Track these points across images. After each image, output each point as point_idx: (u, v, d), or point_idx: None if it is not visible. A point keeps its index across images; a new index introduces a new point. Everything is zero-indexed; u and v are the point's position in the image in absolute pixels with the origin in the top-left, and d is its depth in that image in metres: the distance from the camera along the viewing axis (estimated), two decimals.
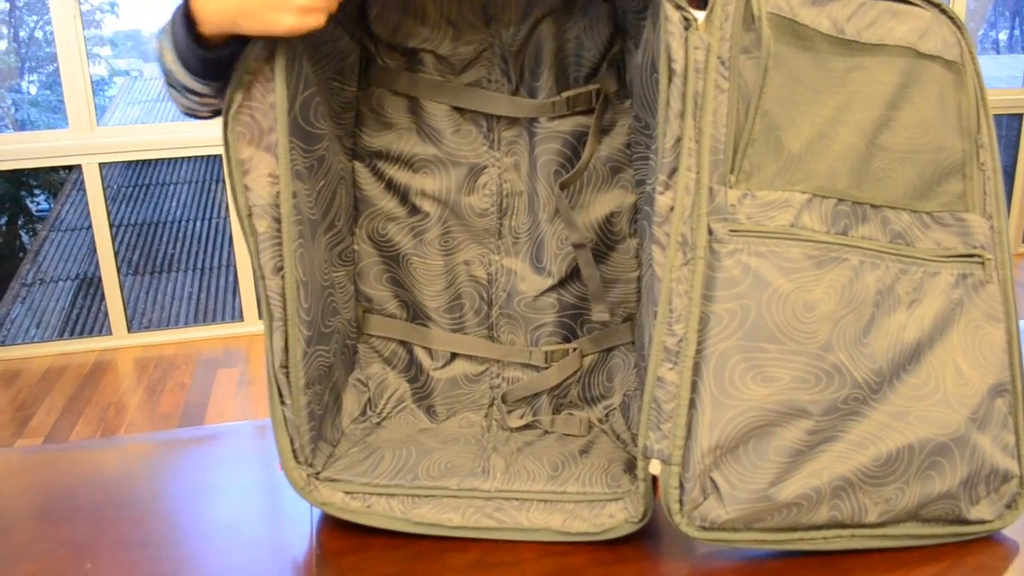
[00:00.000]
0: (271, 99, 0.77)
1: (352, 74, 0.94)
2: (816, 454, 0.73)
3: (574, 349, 1.01)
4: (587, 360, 1.02)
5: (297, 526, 0.83)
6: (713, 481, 0.73)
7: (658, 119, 0.74)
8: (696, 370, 0.72)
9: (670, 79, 0.72)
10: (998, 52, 6.09)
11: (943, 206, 0.78)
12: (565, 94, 0.94)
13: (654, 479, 0.76)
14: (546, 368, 1.02)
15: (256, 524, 0.84)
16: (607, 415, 1.00)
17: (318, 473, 0.85)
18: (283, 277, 0.79)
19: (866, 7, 0.76)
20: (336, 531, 0.82)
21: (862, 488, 0.74)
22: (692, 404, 0.72)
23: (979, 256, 0.78)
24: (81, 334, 3.60)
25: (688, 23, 0.72)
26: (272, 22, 0.71)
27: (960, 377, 0.75)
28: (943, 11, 0.79)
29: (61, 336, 3.60)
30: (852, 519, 0.74)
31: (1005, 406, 0.78)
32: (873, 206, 0.76)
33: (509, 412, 1.02)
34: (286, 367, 0.81)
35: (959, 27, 0.79)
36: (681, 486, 0.73)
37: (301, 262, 0.81)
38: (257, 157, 0.77)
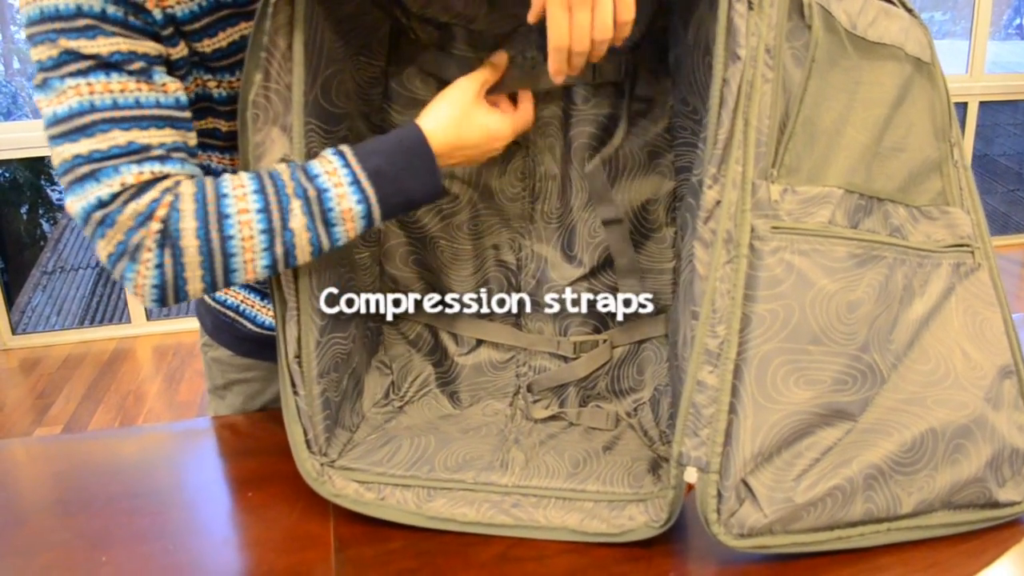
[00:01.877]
0: (289, 79, 0.73)
1: (381, 49, 0.90)
2: (843, 445, 0.72)
3: (604, 340, 0.99)
4: (617, 352, 0.99)
5: (316, 518, 0.81)
6: (747, 485, 0.70)
7: (710, 106, 0.70)
8: (737, 373, 0.70)
9: (727, 66, 0.69)
10: (1022, 38, 6.02)
11: (929, 202, 0.80)
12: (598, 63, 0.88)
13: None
14: (575, 359, 0.99)
15: (275, 516, 0.82)
16: (635, 409, 0.97)
17: (333, 461, 0.83)
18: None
19: (868, 4, 0.76)
20: (356, 523, 0.79)
21: (893, 477, 0.72)
22: (732, 409, 0.70)
23: (968, 245, 0.80)
24: (101, 322, 3.61)
25: (751, 5, 0.68)
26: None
27: (968, 360, 0.76)
28: (912, 14, 0.81)
29: (82, 324, 3.62)
30: (888, 512, 0.72)
31: (1014, 387, 0.79)
32: (879, 199, 0.76)
33: (534, 402, 0.99)
34: (299, 357, 0.79)
35: (925, 29, 0.81)
36: (719, 495, 0.70)
37: None
38: (271, 140, 0.74)
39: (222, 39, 0.77)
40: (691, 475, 0.70)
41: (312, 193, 0.71)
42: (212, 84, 0.79)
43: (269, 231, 0.70)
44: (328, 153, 0.74)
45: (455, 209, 0.97)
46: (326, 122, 0.79)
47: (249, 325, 1.01)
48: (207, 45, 0.76)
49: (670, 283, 0.96)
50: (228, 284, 0.72)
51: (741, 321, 0.70)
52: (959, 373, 0.76)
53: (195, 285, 0.70)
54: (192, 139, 0.74)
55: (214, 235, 0.69)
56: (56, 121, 0.68)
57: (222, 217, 0.69)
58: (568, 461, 0.85)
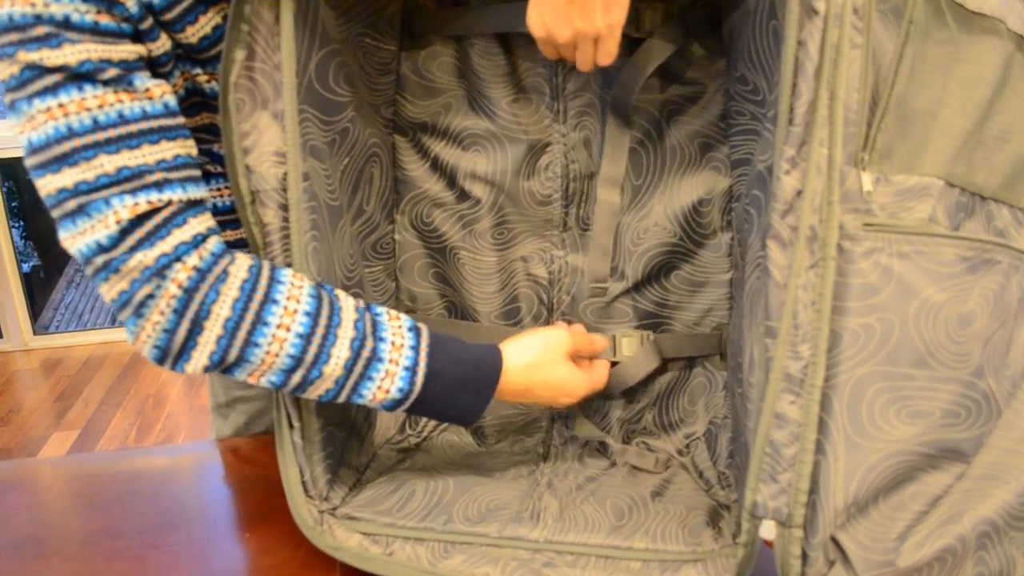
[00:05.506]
0: (277, 58, 0.63)
1: (390, 29, 0.79)
2: (954, 495, 0.60)
3: (651, 338, 0.85)
4: (665, 379, 0.86)
5: (321, 567, 0.70)
6: (837, 543, 0.57)
7: (780, 76, 0.58)
8: (824, 404, 0.57)
9: (802, 23, 0.56)
10: None
11: None
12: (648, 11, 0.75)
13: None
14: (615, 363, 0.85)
15: (273, 564, 0.72)
16: (688, 446, 0.84)
17: (335, 508, 0.72)
18: None
19: None
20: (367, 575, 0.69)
21: (1008, 533, 0.60)
22: (819, 448, 0.57)
23: None
24: None
25: None
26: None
27: None
28: None
29: (114, 322, 3.56)
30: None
31: None
32: (982, 197, 0.67)
33: (571, 438, 0.87)
34: None
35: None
36: (804, 555, 0.57)
37: (315, 258, 0.67)
38: (261, 131, 0.64)
39: (204, 24, 0.67)
40: (768, 530, 0.58)
41: (366, 354, 0.66)
42: (202, 78, 0.70)
43: (298, 359, 0.64)
44: (405, 322, 0.69)
45: (476, 215, 0.85)
46: (323, 110, 0.69)
47: None
48: (191, 34, 0.66)
49: (727, 296, 0.83)
50: (227, 374, 0.66)
51: (829, 339, 0.58)
52: None
53: (199, 362, 0.64)
54: (192, 148, 0.65)
55: (241, 335, 0.63)
56: (33, 150, 0.60)
57: (259, 322, 0.63)
58: (610, 511, 0.73)
